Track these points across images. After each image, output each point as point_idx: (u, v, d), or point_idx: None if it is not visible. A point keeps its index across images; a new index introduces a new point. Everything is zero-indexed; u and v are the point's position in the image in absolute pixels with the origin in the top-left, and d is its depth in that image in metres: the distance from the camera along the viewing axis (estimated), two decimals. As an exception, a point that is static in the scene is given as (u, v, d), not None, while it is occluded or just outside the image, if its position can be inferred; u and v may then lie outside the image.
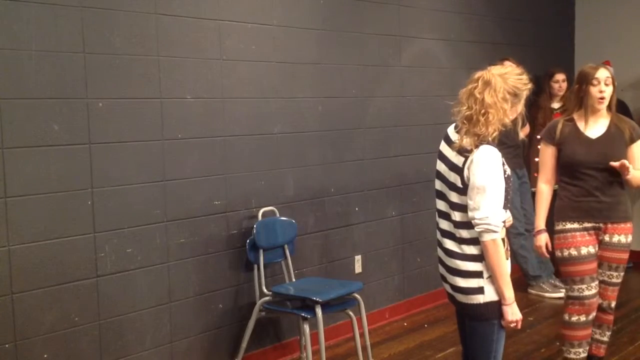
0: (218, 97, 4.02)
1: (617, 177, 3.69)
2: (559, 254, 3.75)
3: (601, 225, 3.73)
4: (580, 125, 3.75)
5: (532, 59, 6.04)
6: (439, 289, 5.35)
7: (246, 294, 4.21)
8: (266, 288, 4.09)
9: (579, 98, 3.75)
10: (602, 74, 3.68)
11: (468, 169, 2.67)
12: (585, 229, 3.73)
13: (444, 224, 2.81)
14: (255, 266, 4.13)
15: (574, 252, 3.71)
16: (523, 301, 5.42)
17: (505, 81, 2.71)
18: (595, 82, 3.67)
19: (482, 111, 2.66)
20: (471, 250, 2.73)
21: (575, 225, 3.73)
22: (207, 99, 3.97)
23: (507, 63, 4.91)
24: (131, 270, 3.66)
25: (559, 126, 3.76)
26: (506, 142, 5.19)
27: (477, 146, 2.67)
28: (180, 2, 3.82)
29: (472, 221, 2.66)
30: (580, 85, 3.73)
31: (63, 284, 3.40)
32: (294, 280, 4.30)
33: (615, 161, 3.60)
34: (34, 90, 3.27)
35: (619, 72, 6.41)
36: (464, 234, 2.73)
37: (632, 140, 3.71)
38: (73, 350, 3.45)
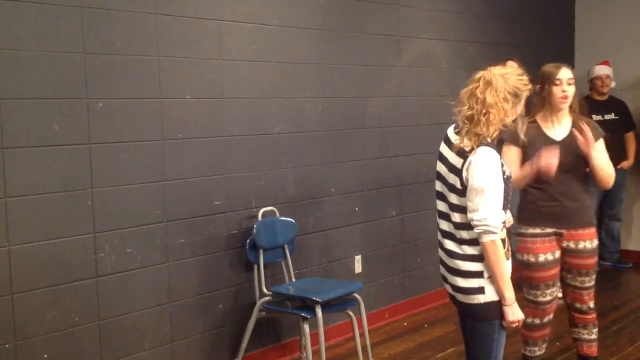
0: (218, 97, 4.02)
1: (583, 181, 3.64)
2: (519, 257, 3.69)
3: (563, 231, 3.64)
4: (544, 126, 3.65)
5: (532, 59, 6.04)
6: (439, 289, 5.35)
7: (246, 294, 4.21)
8: (266, 288, 4.09)
9: (542, 98, 3.64)
10: (564, 74, 3.59)
11: (467, 170, 2.68)
12: (547, 235, 3.64)
13: (444, 225, 2.81)
14: (255, 266, 4.13)
15: (532, 259, 3.65)
16: (523, 301, 5.41)
17: (506, 81, 2.72)
18: (557, 82, 3.57)
19: (484, 111, 2.68)
20: (471, 250, 2.73)
21: (537, 230, 3.64)
22: (207, 99, 3.97)
23: (510, 63, 4.92)
24: (131, 270, 3.66)
25: (523, 128, 3.61)
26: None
27: (477, 146, 2.67)
28: (180, 2, 3.82)
29: (471, 222, 2.66)
30: (543, 85, 3.63)
31: (63, 284, 3.40)
32: (294, 280, 4.30)
33: (580, 161, 3.54)
34: (34, 90, 3.27)
35: (619, 72, 6.45)
36: (464, 234, 2.73)
37: (595, 139, 3.59)
38: (73, 350, 3.45)
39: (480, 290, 2.73)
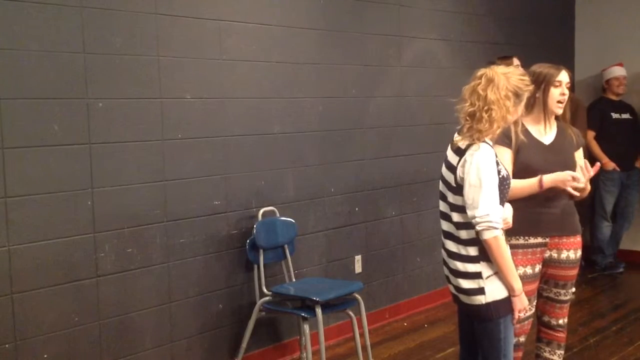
0: (218, 97, 4.02)
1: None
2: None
3: (547, 240, 3.38)
4: (534, 129, 3.39)
5: (532, 59, 6.03)
6: (439, 289, 5.36)
7: (246, 294, 4.21)
8: (266, 288, 4.09)
9: (534, 100, 3.32)
10: (565, 76, 3.37)
11: (462, 167, 2.69)
12: (529, 246, 3.35)
13: (445, 226, 2.82)
14: (255, 266, 4.13)
15: None
16: (523, 301, 5.41)
17: (508, 80, 2.74)
18: (557, 83, 3.34)
19: (485, 108, 2.70)
20: (469, 251, 2.74)
21: (520, 242, 3.32)
22: (207, 99, 3.97)
23: (515, 61, 4.93)
24: (131, 270, 3.66)
25: (514, 129, 3.31)
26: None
27: (472, 145, 2.68)
28: (180, 2, 3.82)
29: (473, 220, 2.67)
30: (539, 86, 3.34)
31: (63, 284, 3.40)
32: (294, 280, 4.30)
33: (567, 167, 3.32)
34: (34, 90, 3.27)
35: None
36: (463, 234, 2.74)
37: (577, 147, 3.47)
38: (73, 350, 3.45)
39: (481, 291, 2.74)
